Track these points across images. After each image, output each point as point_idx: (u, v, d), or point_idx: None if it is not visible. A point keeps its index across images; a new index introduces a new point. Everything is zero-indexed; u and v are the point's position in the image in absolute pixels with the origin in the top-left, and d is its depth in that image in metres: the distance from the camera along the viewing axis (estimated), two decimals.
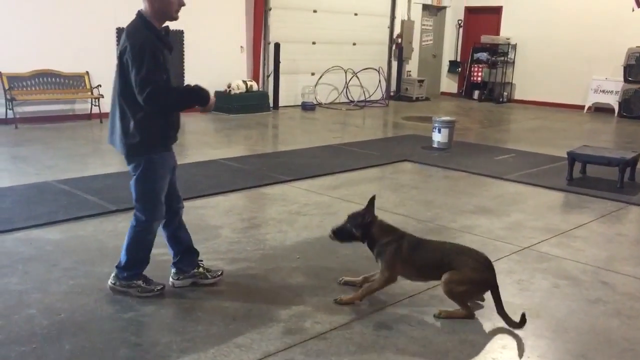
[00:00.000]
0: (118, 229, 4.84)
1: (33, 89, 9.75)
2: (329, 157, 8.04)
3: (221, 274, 3.96)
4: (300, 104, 13.17)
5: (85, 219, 5.09)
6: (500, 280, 3.61)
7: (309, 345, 3.16)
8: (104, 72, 10.42)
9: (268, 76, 12.89)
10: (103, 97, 10.21)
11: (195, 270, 3.87)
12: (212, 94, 3.63)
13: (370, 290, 3.66)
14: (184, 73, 11.57)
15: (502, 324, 3.42)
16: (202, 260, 3.96)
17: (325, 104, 13.65)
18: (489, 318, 3.51)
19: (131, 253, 3.62)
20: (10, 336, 3.12)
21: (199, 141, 9.04)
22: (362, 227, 3.66)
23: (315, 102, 13.25)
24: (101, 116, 10.32)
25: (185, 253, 3.86)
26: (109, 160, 7.47)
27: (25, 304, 3.49)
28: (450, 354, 3.14)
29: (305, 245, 4.68)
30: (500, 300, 3.44)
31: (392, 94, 15.46)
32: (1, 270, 3.95)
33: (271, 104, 12.75)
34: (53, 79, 9.96)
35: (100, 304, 3.53)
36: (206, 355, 3.01)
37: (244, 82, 12.24)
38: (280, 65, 12.71)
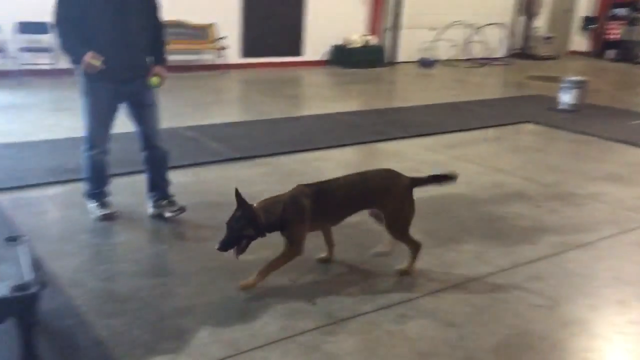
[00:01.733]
0: (239, 175, 5.03)
1: None
2: (446, 115, 7.82)
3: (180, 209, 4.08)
4: (417, 59, 12.85)
5: (210, 164, 5.34)
6: (629, 252, 3.38)
7: (421, 302, 3.14)
8: (228, 24, 10.76)
9: (387, 30, 12.66)
10: (226, 48, 10.53)
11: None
12: (88, 58, 3.59)
13: (273, 266, 3.18)
14: (301, 25, 11.64)
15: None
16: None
17: (444, 60, 13.22)
18: None
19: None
20: (143, 269, 3.37)
21: (315, 94, 9.14)
22: (249, 225, 3.05)
23: (433, 59, 12.87)
24: (225, 67, 10.65)
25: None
26: (230, 110, 7.76)
27: (159, 240, 3.75)
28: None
29: (421, 204, 4.59)
30: (429, 179, 3.54)
31: (517, 51, 14.67)
32: (135, 208, 4.25)
33: (388, 59, 12.55)
34: (181, 30, 10.37)
35: None
36: (320, 302, 3.09)
37: (362, 36, 12.11)
38: (401, 19, 12.41)
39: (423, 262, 3.55)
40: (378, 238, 3.65)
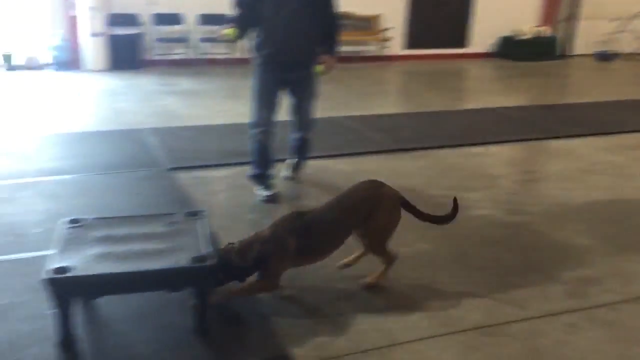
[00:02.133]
0: (398, 167, 5.01)
1: None
2: (626, 113, 7.15)
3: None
4: (594, 52, 11.86)
5: (369, 154, 5.37)
6: None
7: (596, 313, 2.90)
8: (394, 15, 10.75)
9: (562, 21, 11.84)
10: (390, 40, 10.54)
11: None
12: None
13: (243, 292, 2.79)
14: (468, 15, 11.28)
15: None
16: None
17: (626, 54, 12.06)
18: None
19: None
20: None
21: (479, 87, 8.83)
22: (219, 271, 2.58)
23: (613, 52, 11.80)
24: (389, 59, 10.67)
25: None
26: (391, 101, 7.75)
27: None
28: None
29: (595, 207, 4.26)
30: (416, 209, 3.06)
31: None
32: (301, 193, 4.41)
33: (561, 52, 11.74)
34: (348, 21, 10.53)
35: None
36: (480, 301, 2.97)
37: (533, 27, 11.45)
38: (580, 8, 11.54)
39: (595, 269, 3.29)
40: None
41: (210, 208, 3.93)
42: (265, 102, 4.09)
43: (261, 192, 4.23)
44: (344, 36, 10.27)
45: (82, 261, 2.36)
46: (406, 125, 6.37)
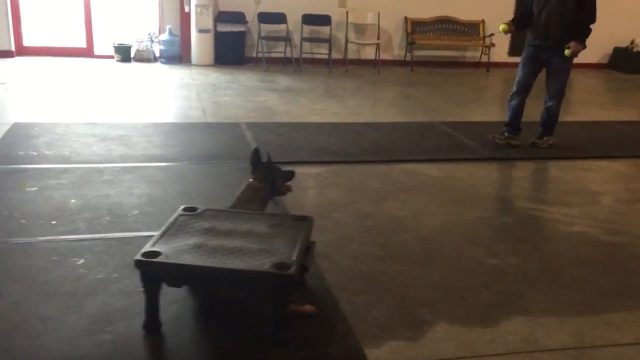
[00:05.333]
0: (491, 176, 4.86)
1: (431, 34, 10.34)
2: None
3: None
4: None
5: (462, 161, 5.24)
6: None
7: None
8: (497, 21, 10.41)
9: None
10: (494, 45, 10.24)
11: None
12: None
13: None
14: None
15: None
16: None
17: None
18: None
19: None
20: (387, 255, 3.45)
21: (586, 99, 8.37)
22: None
23: None
24: (489, 65, 10.38)
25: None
26: (491, 108, 7.52)
27: (403, 229, 3.80)
28: None
29: None
30: None
31: None
32: (387, 195, 4.38)
33: None
34: (451, 26, 10.37)
35: (467, 245, 3.61)
36: (572, 321, 2.82)
37: None
38: None
39: None
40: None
41: (298, 205, 4.02)
42: (523, 72, 5.54)
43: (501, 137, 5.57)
44: (447, 41, 10.21)
45: (174, 249, 2.44)
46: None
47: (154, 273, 2.40)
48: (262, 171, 3.21)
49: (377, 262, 3.33)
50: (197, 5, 9.15)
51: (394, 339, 2.60)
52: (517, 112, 5.58)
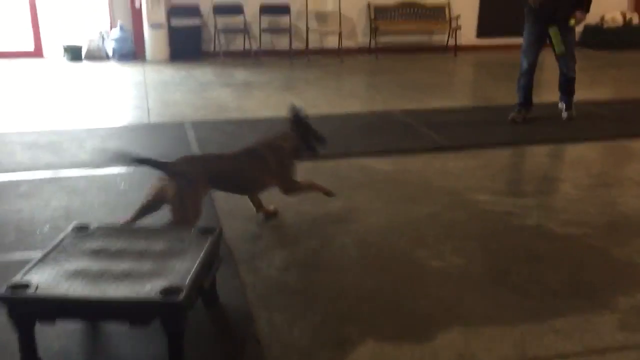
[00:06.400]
0: (446, 167, 4.57)
1: (396, 20, 10.00)
2: None
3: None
4: None
5: (417, 153, 4.94)
6: None
7: None
8: (464, 3, 10.12)
9: None
10: (460, 28, 9.94)
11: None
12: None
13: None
14: None
15: None
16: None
17: None
18: None
19: None
20: (320, 262, 3.16)
21: (554, 80, 8.09)
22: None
23: None
24: (456, 49, 10.08)
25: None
26: (454, 94, 7.24)
27: (342, 231, 3.48)
28: None
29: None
30: None
31: None
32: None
33: None
34: (415, 10, 10.04)
35: (410, 246, 3.32)
36: (516, 330, 2.54)
37: (622, 13, 10.47)
38: None
39: None
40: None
41: (229, 207, 3.70)
42: (530, 46, 5.68)
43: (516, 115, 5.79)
44: (412, 25, 9.89)
45: (50, 277, 2.12)
46: (463, 121, 5.88)
47: (22, 308, 2.07)
48: (300, 126, 3.44)
49: (308, 271, 3.04)
50: (147, 0, 8.76)
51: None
52: (529, 89, 5.80)
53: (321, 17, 9.81)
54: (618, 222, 3.63)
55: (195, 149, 4.86)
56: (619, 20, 10.45)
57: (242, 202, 3.59)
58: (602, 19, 10.47)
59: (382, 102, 6.77)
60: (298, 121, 3.45)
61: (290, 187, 3.45)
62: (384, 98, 7.00)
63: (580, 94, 7.01)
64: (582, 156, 4.96)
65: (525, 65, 5.74)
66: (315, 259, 3.15)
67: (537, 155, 4.89)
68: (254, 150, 3.31)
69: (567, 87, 5.83)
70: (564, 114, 5.86)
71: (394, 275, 3.00)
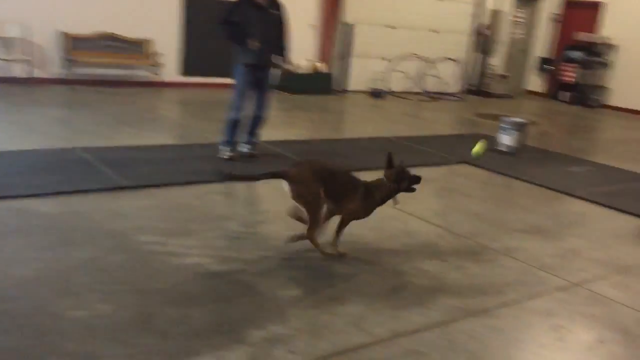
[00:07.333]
0: (120, 209, 4.45)
1: (94, 51, 9.62)
2: (377, 151, 7.34)
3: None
4: (368, 89, 12.46)
5: (92, 193, 4.74)
6: (531, 324, 2.93)
7: None
8: (166, 40, 10.22)
9: (337, 58, 12.28)
10: (159, 65, 10.00)
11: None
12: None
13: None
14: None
15: None
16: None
17: (396, 92, 12.87)
18: None
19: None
20: None
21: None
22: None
23: (385, 90, 12.50)
24: (159, 85, 10.09)
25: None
26: (149, 131, 7.18)
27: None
28: None
29: (302, 253, 4.05)
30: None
31: (471, 88, 14.44)
32: None
33: (338, 87, 12.16)
34: (114, 43, 9.79)
35: (54, 297, 3.11)
36: None
37: (310, 61, 11.71)
38: (353, 48, 12.07)
39: (287, 326, 3.03)
40: None
41: None
42: (244, 92, 5.98)
43: (225, 153, 6.04)
44: (112, 59, 9.61)
45: None
46: (148, 159, 5.83)
47: None
48: (393, 172, 3.95)
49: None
50: None
51: None
52: (238, 128, 6.07)
53: (5, 42, 8.93)
54: (270, 257, 3.90)
55: None
56: (308, 66, 11.63)
57: None
58: (293, 64, 11.52)
59: (64, 138, 6.37)
60: (391, 167, 3.99)
61: None
62: (68, 134, 6.61)
63: (266, 135, 7.53)
64: (260, 193, 5.28)
65: (238, 104, 5.98)
66: None
67: (218, 193, 5.07)
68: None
69: (259, 126, 6.23)
70: (245, 151, 6.22)
71: (23, 332, 2.77)
